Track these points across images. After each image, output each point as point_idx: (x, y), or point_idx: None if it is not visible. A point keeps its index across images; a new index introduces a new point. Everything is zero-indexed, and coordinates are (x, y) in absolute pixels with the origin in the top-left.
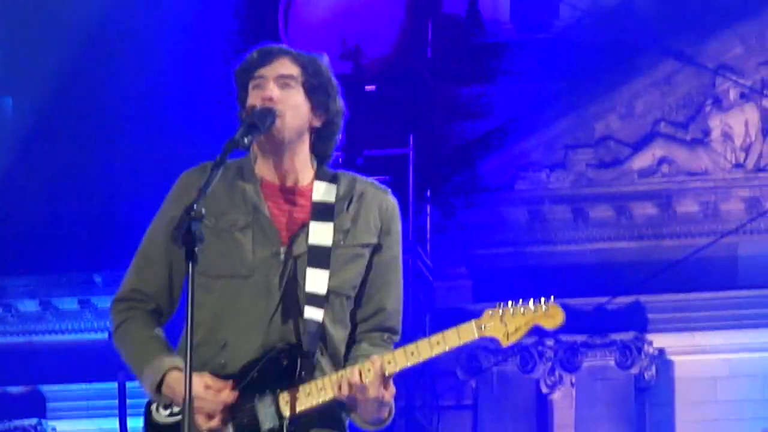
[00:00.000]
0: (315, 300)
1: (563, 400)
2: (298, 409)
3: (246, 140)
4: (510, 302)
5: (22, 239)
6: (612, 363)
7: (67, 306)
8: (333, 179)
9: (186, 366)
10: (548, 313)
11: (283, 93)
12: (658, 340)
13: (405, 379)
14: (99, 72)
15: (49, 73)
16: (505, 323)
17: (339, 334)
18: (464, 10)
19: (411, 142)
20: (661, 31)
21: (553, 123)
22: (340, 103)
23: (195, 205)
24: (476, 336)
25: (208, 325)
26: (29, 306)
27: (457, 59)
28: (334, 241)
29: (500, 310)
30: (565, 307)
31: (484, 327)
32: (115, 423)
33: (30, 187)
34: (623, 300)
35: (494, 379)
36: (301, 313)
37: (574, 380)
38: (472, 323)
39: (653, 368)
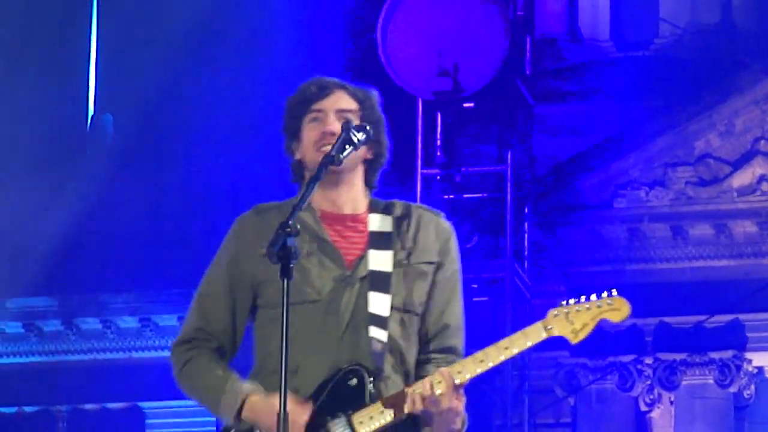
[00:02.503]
0: (378, 320)
1: (662, 419)
2: (373, 427)
3: (342, 155)
4: (573, 300)
5: (123, 256)
6: (711, 381)
7: (166, 323)
8: (386, 209)
9: (281, 389)
10: (614, 306)
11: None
12: (757, 359)
13: (503, 397)
14: (196, 87)
15: (147, 89)
16: (572, 321)
17: (410, 351)
18: (564, 28)
19: (509, 160)
20: (760, 48)
21: (652, 141)
22: (387, 137)
23: (290, 221)
24: (543, 336)
25: (278, 353)
26: (129, 322)
27: (556, 77)
28: (396, 261)
29: (565, 309)
30: (664, 325)
31: (551, 327)
32: None
33: (131, 203)
34: (722, 318)
35: (593, 397)
36: (367, 333)
37: (672, 398)
38: (539, 324)
39: (752, 387)
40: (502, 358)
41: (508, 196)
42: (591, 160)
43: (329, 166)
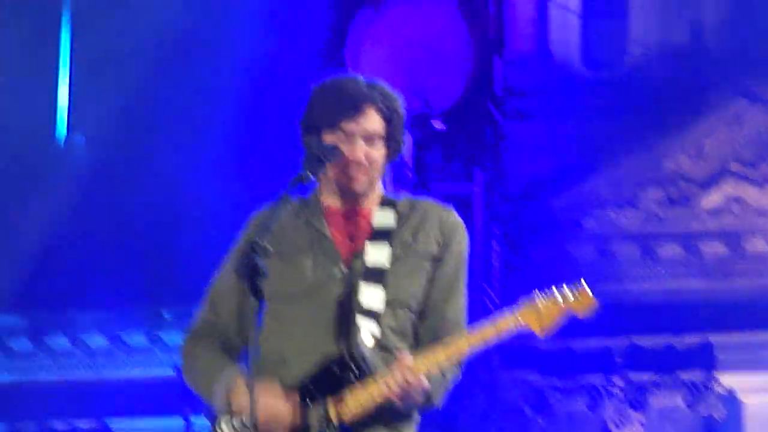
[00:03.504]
0: (370, 314)
1: None
2: (347, 413)
3: (310, 175)
4: (545, 290)
5: (92, 273)
6: (681, 403)
7: (136, 342)
8: (392, 203)
9: (251, 390)
10: (578, 299)
11: (370, 150)
12: (727, 380)
13: (472, 417)
14: (167, 105)
15: (119, 108)
16: (539, 312)
17: (399, 346)
18: (534, 47)
19: (478, 179)
20: (730, 69)
21: (622, 161)
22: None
23: (258, 240)
24: (512, 326)
25: (270, 345)
26: (98, 341)
27: (526, 97)
28: (393, 256)
29: (537, 299)
30: (633, 345)
31: (520, 317)
32: None
33: (99, 221)
34: (692, 339)
35: (562, 418)
36: (358, 326)
37: (643, 420)
38: (508, 315)
39: (722, 409)
40: (471, 344)
41: (477, 215)
42: (560, 180)
43: (340, 190)
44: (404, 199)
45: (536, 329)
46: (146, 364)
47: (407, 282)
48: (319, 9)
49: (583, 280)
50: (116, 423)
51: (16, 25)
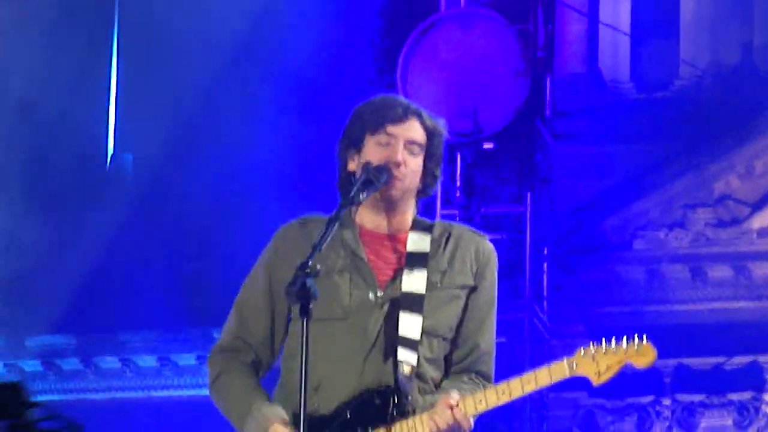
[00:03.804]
0: (408, 343)
1: None
2: None
3: (362, 196)
4: (603, 340)
5: (142, 295)
6: (730, 423)
7: (185, 362)
8: (427, 228)
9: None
10: (640, 352)
11: (409, 158)
12: None
13: (521, 428)
14: (213, 126)
15: (166, 128)
16: (597, 362)
17: (434, 375)
18: (584, 68)
19: (528, 200)
20: None
21: (671, 182)
22: (440, 171)
23: (309, 262)
24: (567, 374)
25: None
26: (148, 361)
27: (576, 118)
28: (430, 283)
29: (592, 349)
30: (682, 366)
31: (576, 365)
32: None
33: (150, 243)
34: (741, 360)
35: None
36: (395, 355)
37: None
38: (564, 361)
39: None
40: (524, 391)
41: (527, 237)
42: (610, 201)
43: (378, 193)
44: (438, 223)
45: (592, 378)
46: (195, 385)
47: (443, 311)
48: (370, 33)
49: (645, 336)
50: None
51: (68, 48)
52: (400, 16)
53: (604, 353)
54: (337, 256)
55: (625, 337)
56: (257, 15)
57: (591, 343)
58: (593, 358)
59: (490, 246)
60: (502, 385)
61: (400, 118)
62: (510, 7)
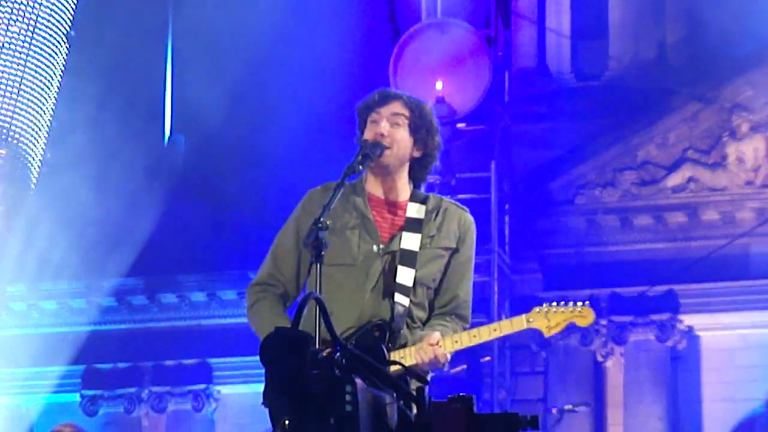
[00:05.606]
0: (403, 289)
1: (614, 367)
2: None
3: (360, 167)
4: (554, 303)
5: (195, 245)
6: (652, 338)
7: (228, 296)
8: (423, 200)
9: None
10: (582, 314)
11: (393, 130)
12: (688, 320)
13: (490, 351)
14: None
15: (214, 112)
16: (548, 318)
17: (420, 315)
18: (534, 63)
19: (492, 167)
20: (688, 78)
21: (604, 151)
22: (437, 140)
23: (321, 218)
24: (524, 326)
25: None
26: (199, 297)
27: (529, 102)
28: (422, 244)
29: (545, 308)
30: (615, 294)
31: (531, 320)
32: None
33: (198, 207)
34: (660, 288)
35: (560, 351)
36: (392, 297)
37: (623, 351)
38: (523, 317)
39: (684, 342)
40: (491, 337)
41: (492, 196)
42: (557, 167)
43: (374, 163)
44: (432, 196)
45: (543, 330)
46: (237, 315)
47: (431, 266)
48: (372, 39)
49: (587, 302)
50: (214, 361)
51: (125, 36)
52: (391, 27)
53: (554, 312)
54: (350, 216)
55: (572, 302)
56: (283, 16)
57: (544, 303)
58: (545, 316)
59: (471, 218)
60: (474, 331)
61: (385, 100)
62: (477, 17)
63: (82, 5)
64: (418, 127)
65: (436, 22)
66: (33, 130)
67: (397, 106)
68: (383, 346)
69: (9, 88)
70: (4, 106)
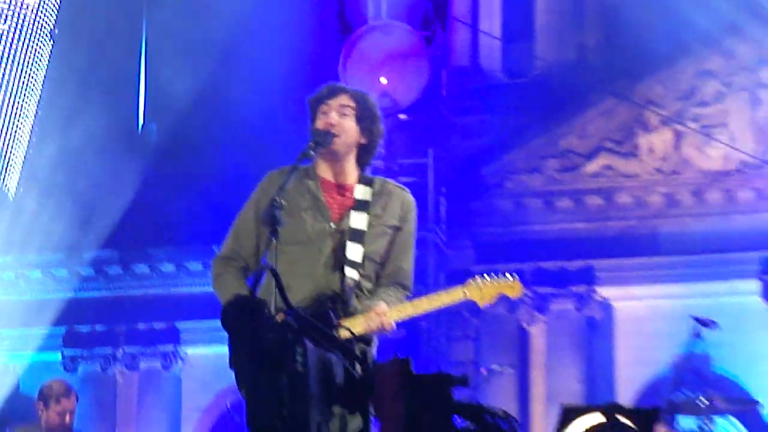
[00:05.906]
0: (353, 263)
1: (537, 333)
2: (342, 331)
3: (312, 153)
4: (486, 275)
5: (164, 221)
6: (571, 307)
7: (194, 267)
8: (369, 182)
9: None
10: (512, 286)
11: (341, 120)
12: (603, 292)
13: (427, 317)
14: (225, 95)
15: (184, 101)
16: (482, 290)
17: (368, 286)
18: (469, 61)
19: (431, 154)
20: (605, 77)
21: (531, 141)
22: (381, 129)
23: (277, 198)
24: (461, 298)
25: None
26: (168, 267)
27: (463, 97)
28: (368, 223)
29: (479, 280)
30: (538, 268)
31: (467, 292)
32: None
33: (168, 187)
34: (579, 263)
35: (489, 318)
36: (343, 271)
37: (545, 320)
38: (459, 288)
39: (600, 311)
40: (431, 306)
41: (430, 180)
42: (488, 154)
43: (324, 149)
44: (377, 179)
45: (478, 302)
46: (202, 284)
47: (377, 242)
48: (322, 39)
49: (516, 275)
50: (182, 324)
51: (98, 27)
52: (340, 25)
53: (488, 285)
54: (303, 198)
55: (503, 274)
56: (245, 16)
57: (478, 275)
58: (479, 288)
59: (412, 198)
60: (415, 301)
61: (334, 93)
62: (417, 20)
63: (65, 4)
64: (364, 117)
65: (381, 24)
66: (17, 127)
67: (344, 99)
68: (331, 313)
69: None
70: None
